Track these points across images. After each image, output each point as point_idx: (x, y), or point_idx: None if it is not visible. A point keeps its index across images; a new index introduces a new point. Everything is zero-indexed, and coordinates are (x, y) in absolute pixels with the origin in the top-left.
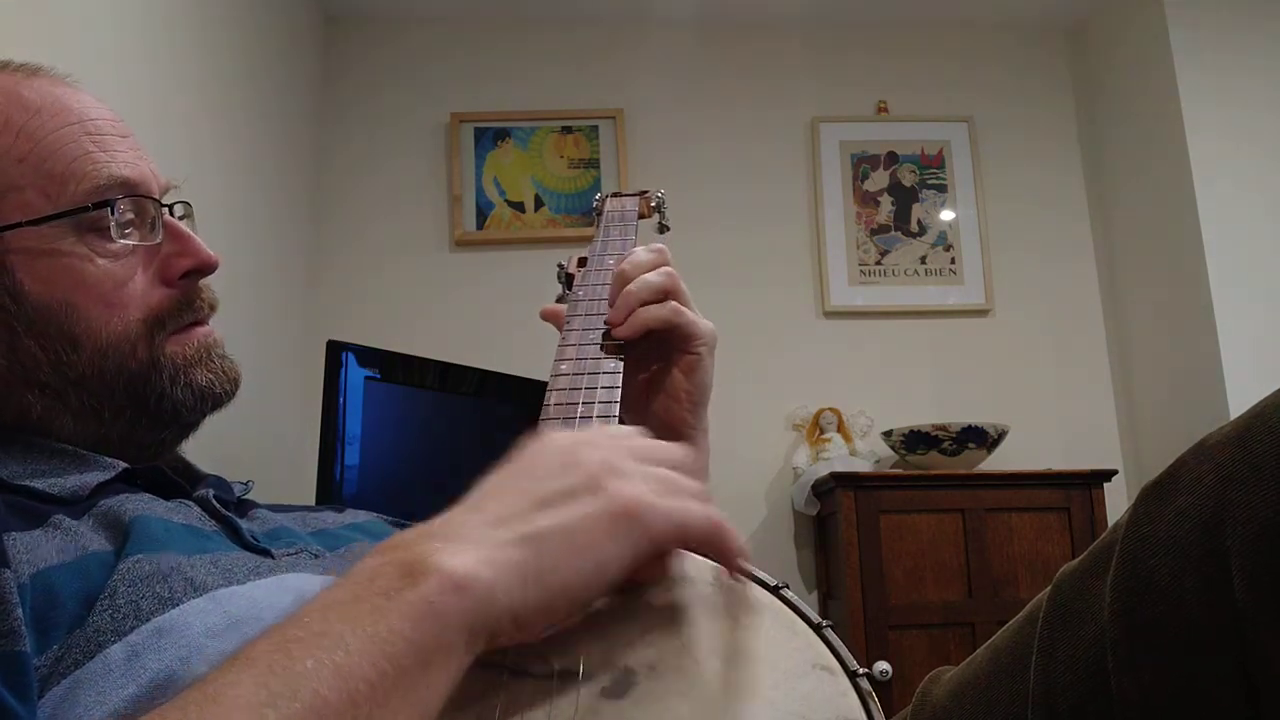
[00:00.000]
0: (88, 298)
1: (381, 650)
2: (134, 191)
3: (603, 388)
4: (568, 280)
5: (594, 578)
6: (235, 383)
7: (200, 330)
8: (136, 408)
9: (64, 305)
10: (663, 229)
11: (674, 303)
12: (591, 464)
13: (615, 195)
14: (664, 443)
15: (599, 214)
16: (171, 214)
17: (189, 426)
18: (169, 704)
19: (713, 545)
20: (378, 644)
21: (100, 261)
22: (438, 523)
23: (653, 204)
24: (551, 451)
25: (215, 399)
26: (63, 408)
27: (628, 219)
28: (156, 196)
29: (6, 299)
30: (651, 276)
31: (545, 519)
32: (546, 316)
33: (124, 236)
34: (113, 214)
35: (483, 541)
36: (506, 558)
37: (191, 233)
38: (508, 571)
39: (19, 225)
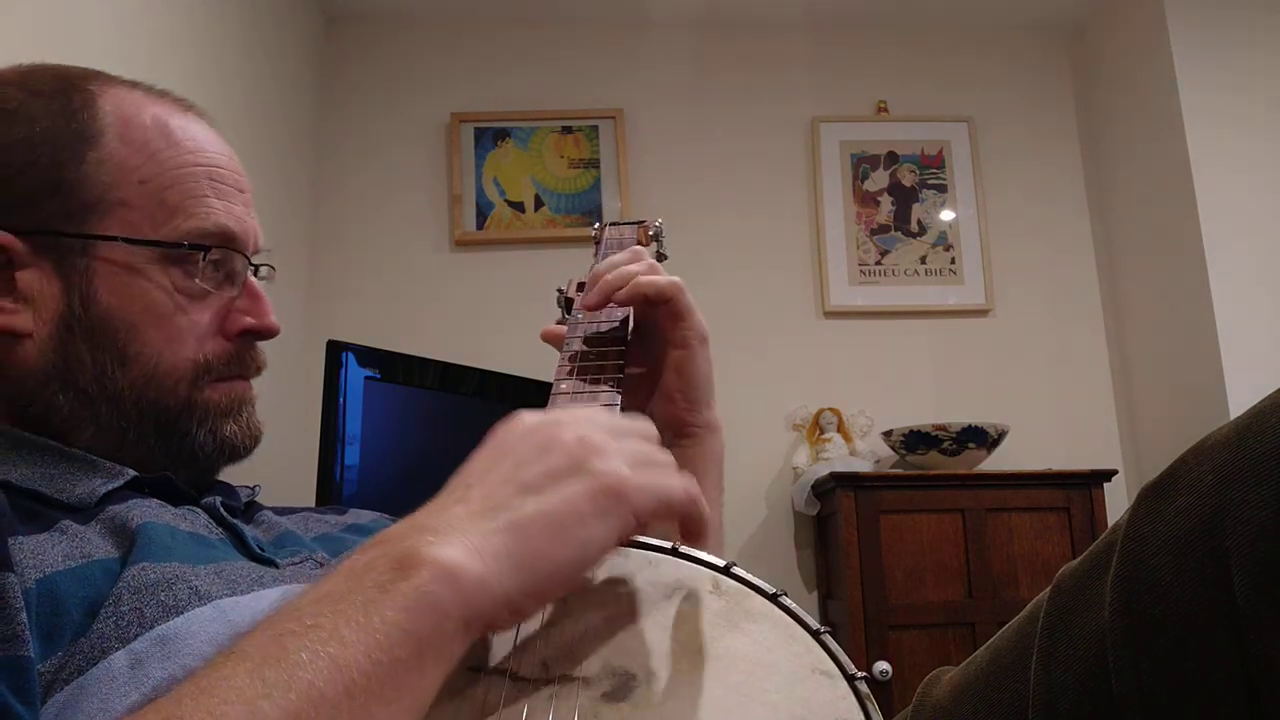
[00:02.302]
0: (152, 324)
1: (376, 641)
2: (231, 245)
3: (602, 405)
4: (567, 304)
5: (582, 557)
6: (256, 440)
7: (240, 384)
8: (159, 439)
9: (128, 325)
10: (660, 258)
11: (676, 278)
12: (569, 443)
13: (614, 224)
14: (634, 416)
15: (597, 241)
16: (257, 274)
17: (203, 472)
18: (164, 698)
19: (689, 518)
20: (372, 635)
21: (176, 296)
22: (424, 515)
23: (651, 233)
24: (528, 433)
25: (234, 452)
26: (90, 417)
27: (626, 246)
28: (249, 253)
29: (76, 301)
30: (634, 266)
31: (531, 504)
32: (546, 338)
33: (206, 280)
34: (204, 259)
35: (472, 531)
36: (496, 546)
37: (265, 296)
38: (498, 559)
39: (116, 239)
